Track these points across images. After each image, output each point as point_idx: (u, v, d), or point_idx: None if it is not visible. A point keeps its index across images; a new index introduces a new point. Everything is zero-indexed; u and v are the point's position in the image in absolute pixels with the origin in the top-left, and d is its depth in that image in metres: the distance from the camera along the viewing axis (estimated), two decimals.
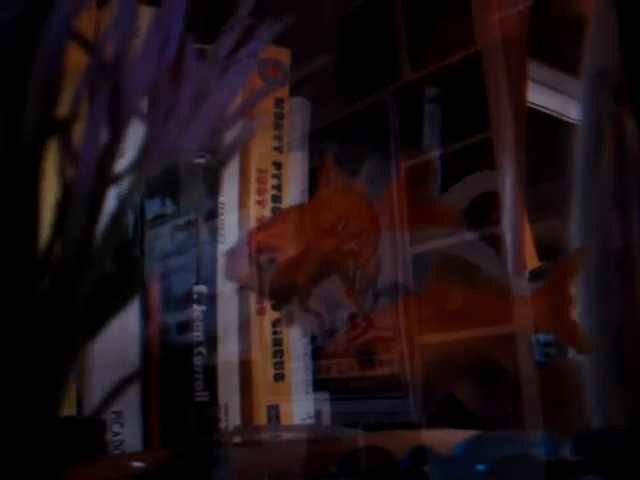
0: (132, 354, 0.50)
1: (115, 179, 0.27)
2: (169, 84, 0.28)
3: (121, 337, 0.49)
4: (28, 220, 0.25)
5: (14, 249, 0.24)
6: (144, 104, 0.28)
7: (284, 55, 0.60)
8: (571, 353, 0.53)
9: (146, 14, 0.29)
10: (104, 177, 0.26)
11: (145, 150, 0.27)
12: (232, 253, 0.58)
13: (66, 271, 0.25)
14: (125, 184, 0.27)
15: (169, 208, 0.59)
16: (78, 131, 0.26)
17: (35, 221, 0.25)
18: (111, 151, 0.26)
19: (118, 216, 0.27)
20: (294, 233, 0.60)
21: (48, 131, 0.26)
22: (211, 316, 0.55)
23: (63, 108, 0.26)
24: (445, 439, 0.44)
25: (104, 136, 0.26)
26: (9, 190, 0.24)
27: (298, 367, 0.61)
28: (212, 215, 0.59)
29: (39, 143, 0.25)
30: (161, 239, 0.59)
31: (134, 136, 0.28)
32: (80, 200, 0.25)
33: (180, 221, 0.60)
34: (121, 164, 0.27)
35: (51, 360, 0.25)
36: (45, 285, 0.25)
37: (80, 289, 0.25)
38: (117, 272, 0.27)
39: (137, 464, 0.42)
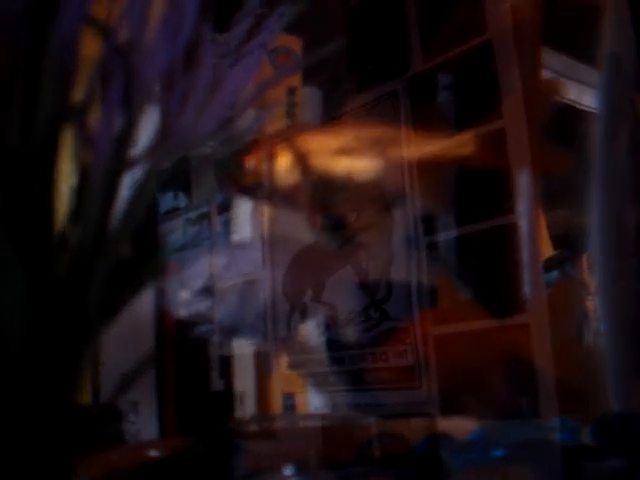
0: (148, 344, 0.50)
1: (131, 164, 0.27)
2: (184, 70, 0.28)
3: (138, 328, 0.49)
4: (45, 205, 0.25)
5: (31, 233, 0.24)
6: (159, 89, 0.28)
7: (295, 44, 0.60)
8: (588, 337, 0.53)
9: (159, 2, 0.29)
10: (120, 162, 0.26)
11: (161, 135, 0.27)
12: None
13: (83, 255, 0.25)
14: (141, 169, 0.27)
15: (182, 202, 0.60)
16: (94, 116, 0.26)
17: (51, 206, 0.25)
18: (127, 136, 0.26)
19: (135, 201, 0.27)
20: None
21: (64, 117, 0.26)
22: (226, 307, 0.56)
23: (78, 94, 0.26)
24: (461, 426, 0.44)
25: (119, 121, 0.26)
26: (26, 175, 0.24)
27: (313, 358, 0.61)
28: (225, 207, 0.59)
29: (55, 128, 0.25)
30: (175, 232, 0.59)
31: (150, 122, 0.28)
32: (96, 185, 0.25)
33: (193, 214, 0.60)
34: (137, 149, 0.27)
35: (68, 345, 0.25)
36: (62, 269, 0.25)
37: (97, 273, 0.25)
38: (133, 257, 0.27)
39: (153, 452, 0.42)
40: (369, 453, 0.44)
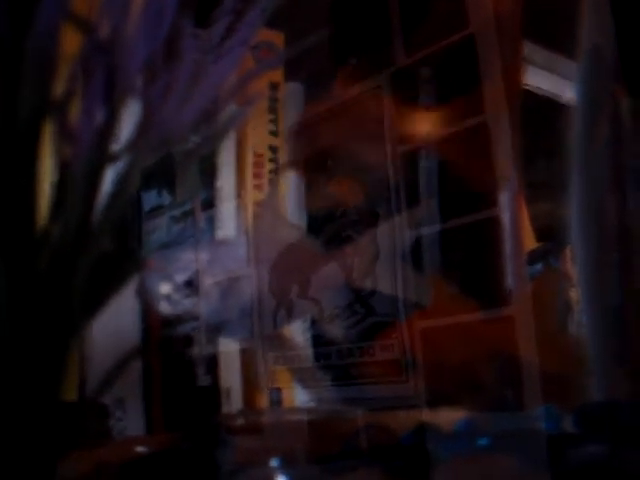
0: (133, 339, 0.50)
1: (113, 158, 0.27)
2: (165, 63, 0.28)
3: (123, 324, 0.49)
4: (26, 199, 0.25)
5: (12, 228, 0.24)
6: (140, 83, 0.28)
7: (277, 38, 0.60)
8: (571, 327, 0.53)
9: None
10: (101, 156, 0.26)
11: (142, 128, 0.27)
12: None
13: (65, 250, 0.25)
14: (123, 163, 0.27)
15: (166, 199, 0.60)
16: (74, 111, 0.26)
17: (33, 200, 0.25)
18: (108, 130, 0.26)
19: (116, 195, 0.27)
20: None
21: (44, 111, 0.26)
22: (212, 304, 0.56)
23: (59, 88, 0.26)
24: (447, 417, 0.44)
25: (100, 115, 0.26)
26: (7, 170, 0.24)
27: (299, 354, 0.61)
28: (209, 203, 0.59)
29: (35, 123, 0.25)
30: (159, 230, 0.59)
31: (131, 115, 0.28)
32: (78, 179, 0.25)
33: (177, 212, 0.60)
34: (119, 143, 0.27)
35: (52, 340, 0.25)
36: (44, 264, 0.25)
37: (79, 268, 0.25)
38: (115, 251, 0.27)
39: (141, 448, 0.42)
40: (356, 445, 0.44)
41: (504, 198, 0.53)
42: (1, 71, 0.25)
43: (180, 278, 0.56)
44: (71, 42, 0.27)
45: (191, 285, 0.56)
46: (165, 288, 0.55)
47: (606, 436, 0.40)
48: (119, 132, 0.27)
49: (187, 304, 0.55)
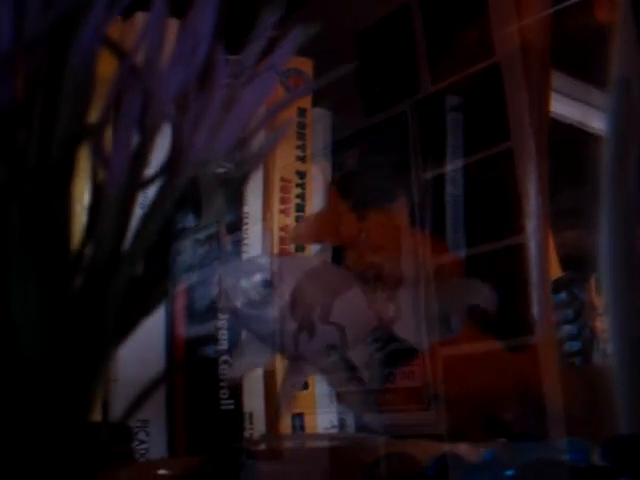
0: (158, 363, 0.51)
1: (145, 183, 0.27)
2: (198, 90, 0.28)
3: (147, 346, 0.49)
4: (60, 223, 0.25)
5: (47, 251, 0.24)
6: (173, 110, 0.28)
7: (306, 65, 0.61)
8: (598, 359, 0.53)
9: (173, 26, 0.30)
10: (135, 181, 0.26)
11: (175, 154, 0.28)
12: None
13: (97, 273, 0.25)
14: (155, 188, 0.28)
15: (190, 222, 0.60)
16: (109, 136, 0.27)
17: (67, 224, 0.25)
18: (141, 155, 0.27)
19: (148, 220, 0.27)
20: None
21: (80, 136, 0.26)
22: (235, 327, 0.56)
23: (94, 114, 0.27)
24: (472, 447, 0.44)
25: (134, 140, 0.27)
26: (42, 194, 0.25)
27: (321, 379, 0.61)
28: (235, 226, 0.59)
29: (71, 148, 0.26)
30: (183, 253, 0.59)
31: (164, 141, 0.28)
32: (111, 203, 0.26)
33: (202, 235, 0.60)
34: (151, 169, 0.27)
35: (83, 361, 0.26)
36: (77, 286, 0.25)
37: (111, 291, 0.25)
38: (146, 275, 0.27)
39: (163, 471, 0.42)
40: (377, 474, 0.44)
41: (530, 226, 0.52)
42: (40, 98, 0.25)
43: (205, 301, 0.56)
44: (106, 68, 0.28)
45: (215, 308, 0.56)
46: (192, 311, 0.55)
47: (633, 469, 0.39)
48: (152, 157, 0.28)
49: (211, 327, 0.55)
